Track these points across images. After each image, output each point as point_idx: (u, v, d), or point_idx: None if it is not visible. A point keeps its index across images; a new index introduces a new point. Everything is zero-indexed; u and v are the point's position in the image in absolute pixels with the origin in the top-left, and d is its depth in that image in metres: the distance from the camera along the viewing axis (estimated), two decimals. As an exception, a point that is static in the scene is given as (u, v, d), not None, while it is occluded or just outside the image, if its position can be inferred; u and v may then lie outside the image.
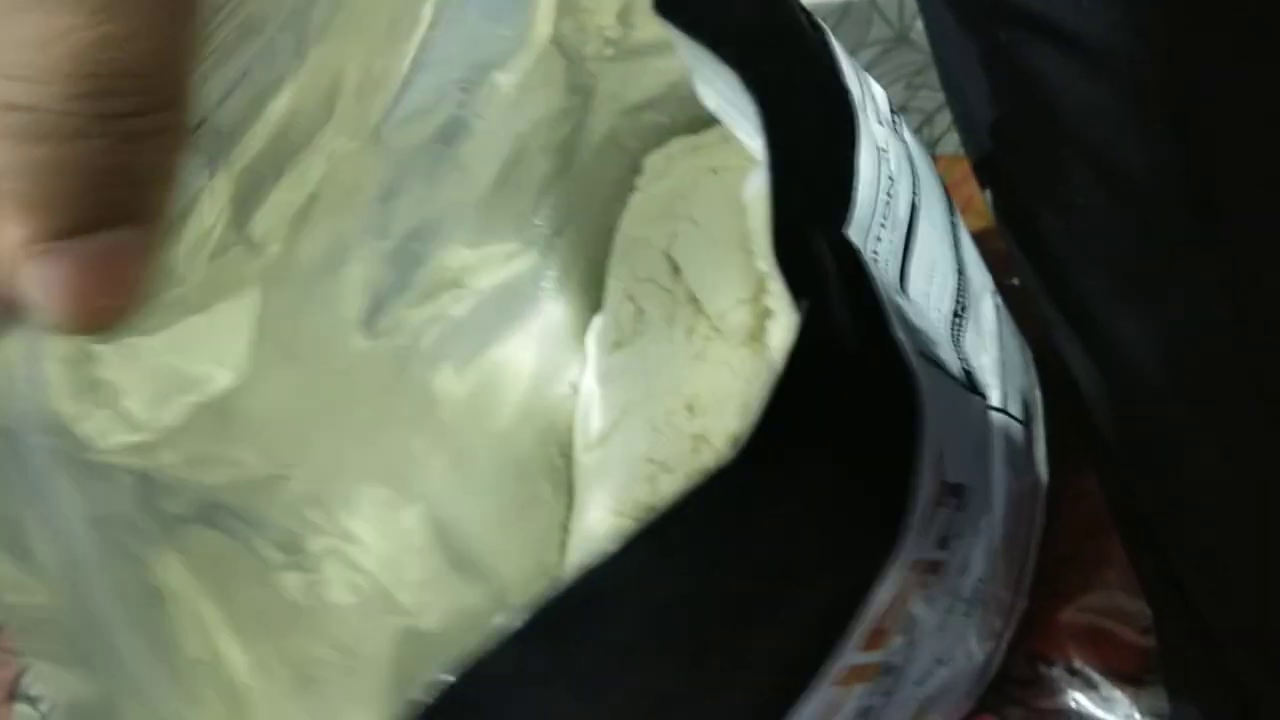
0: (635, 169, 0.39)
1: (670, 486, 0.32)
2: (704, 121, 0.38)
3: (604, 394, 0.36)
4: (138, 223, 0.13)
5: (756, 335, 0.34)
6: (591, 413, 0.36)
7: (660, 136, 0.39)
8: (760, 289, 0.35)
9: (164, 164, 0.13)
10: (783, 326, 0.33)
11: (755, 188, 0.35)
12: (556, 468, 0.35)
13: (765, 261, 0.34)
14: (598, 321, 0.38)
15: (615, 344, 0.36)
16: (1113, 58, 0.25)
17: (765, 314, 0.35)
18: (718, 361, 0.34)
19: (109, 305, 0.13)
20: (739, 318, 0.34)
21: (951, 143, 0.44)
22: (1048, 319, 0.33)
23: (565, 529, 0.35)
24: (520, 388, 0.35)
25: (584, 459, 0.35)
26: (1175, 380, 0.28)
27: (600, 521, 0.33)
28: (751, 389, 0.33)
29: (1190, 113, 0.25)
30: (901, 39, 0.46)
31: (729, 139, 0.37)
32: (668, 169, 0.38)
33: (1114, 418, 0.31)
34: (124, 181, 0.13)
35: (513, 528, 0.33)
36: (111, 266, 0.13)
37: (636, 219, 0.38)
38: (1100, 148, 0.27)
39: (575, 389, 0.37)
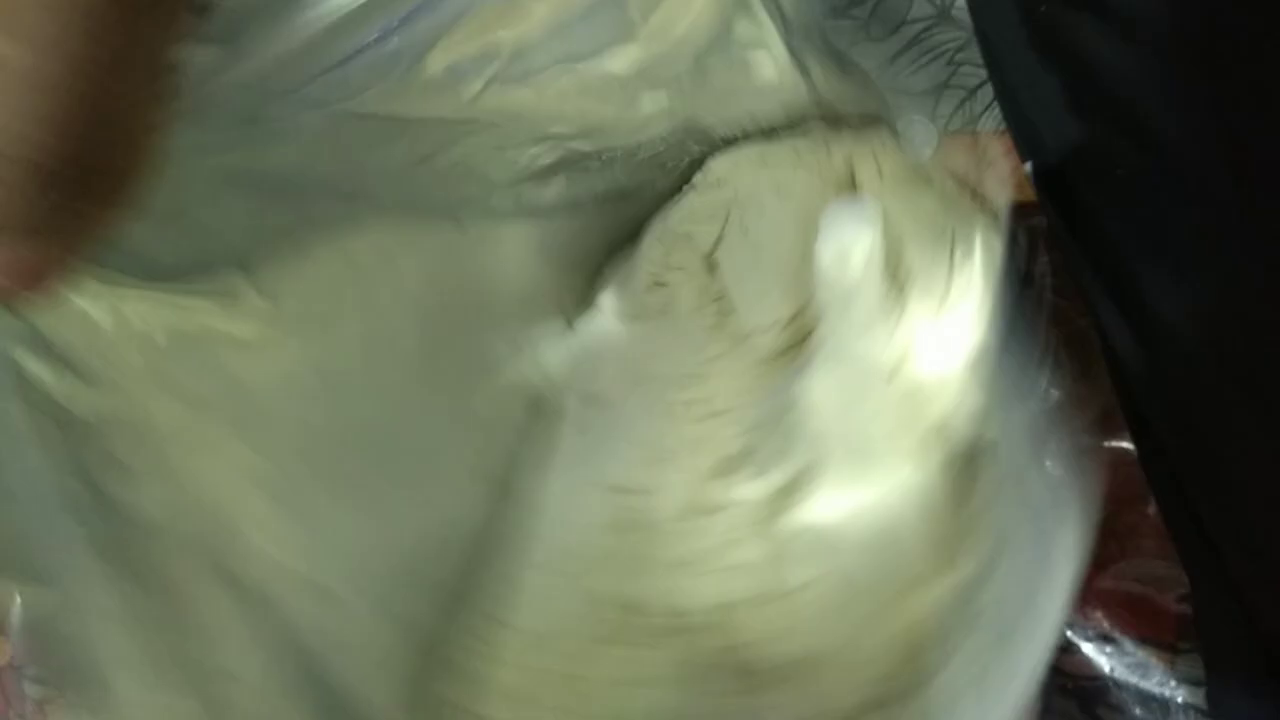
0: (695, 167, 0.39)
1: (662, 477, 0.32)
2: (774, 132, 0.38)
3: (612, 359, 0.36)
4: (60, 244, 0.15)
5: (784, 353, 0.34)
6: (596, 369, 0.36)
7: (728, 146, 0.39)
8: (802, 310, 0.35)
9: (89, 220, 0.15)
10: (820, 337, 0.33)
11: (837, 219, 0.34)
12: (531, 388, 0.35)
13: (823, 288, 0.34)
14: (612, 289, 0.38)
15: (634, 316, 0.36)
16: (1148, 25, 0.25)
17: (802, 330, 0.35)
18: (738, 369, 0.34)
19: (22, 291, 0.15)
20: (771, 338, 0.34)
21: (992, 119, 0.44)
22: (1088, 291, 0.33)
23: (533, 453, 0.34)
24: (502, 300, 0.35)
25: (581, 410, 0.35)
26: (1214, 348, 0.28)
27: (583, 488, 0.33)
28: (764, 403, 0.33)
29: (1226, 79, 0.25)
30: (943, 16, 0.46)
31: (800, 154, 0.37)
32: (730, 176, 0.38)
33: (1152, 386, 0.31)
34: (45, 224, 0.14)
35: (464, 435, 0.33)
36: (25, 268, 0.15)
37: (686, 216, 0.39)
38: (1139, 116, 0.27)
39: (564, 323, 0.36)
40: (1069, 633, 0.38)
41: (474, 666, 0.26)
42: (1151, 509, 0.37)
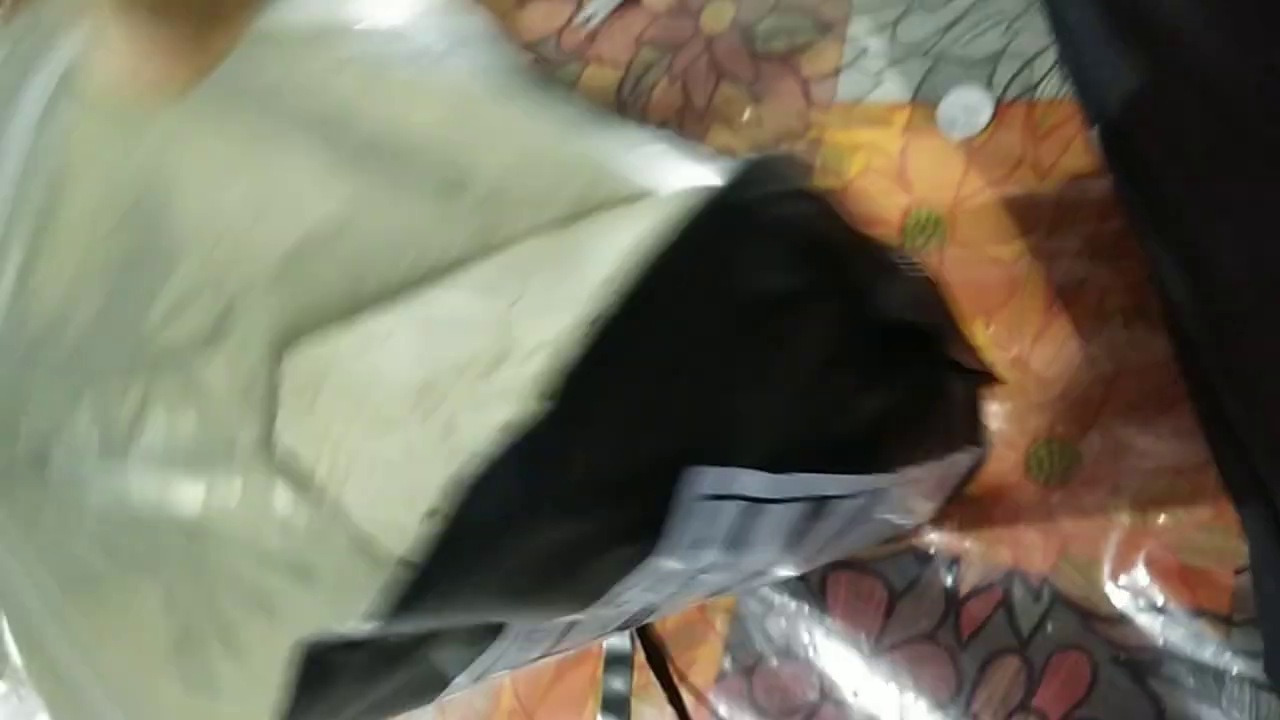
0: None
1: None
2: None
3: None
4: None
5: None
6: None
7: None
8: None
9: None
10: None
11: None
12: None
13: None
14: None
15: None
16: None
17: None
18: None
19: None
20: None
21: (1050, 88, 0.44)
22: (1151, 250, 0.33)
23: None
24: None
25: None
26: (1267, 289, 0.28)
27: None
28: None
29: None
30: (1001, -16, 0.46)
31: None
32: None
33: (1213, 343, 0.31)
34: None
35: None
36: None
37: None
38: (1201, 63, 0.27)
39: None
40: (1121, 603, 0.38)
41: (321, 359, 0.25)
42: (1208, 479, 0.36)
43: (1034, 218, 0.43)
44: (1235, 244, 0.28)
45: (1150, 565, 0.38)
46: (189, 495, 0.23)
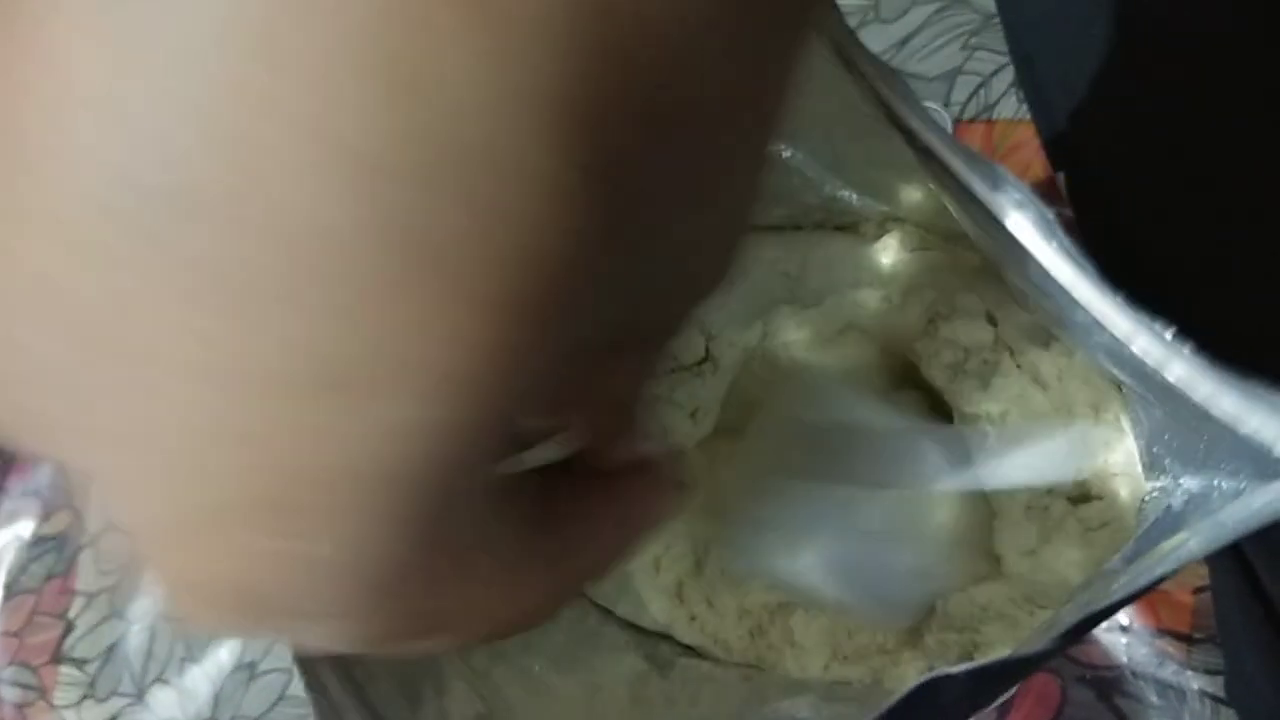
0: None
1: None
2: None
3: None
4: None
5: None
6: None
7: None
8: None
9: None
10: None
11: None
12: None
13: None
14: None
15: None
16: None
17: None
18: None
19: None
20: None
21: (1008, 107, 0.44)
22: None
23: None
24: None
25: None
26: (1248, 357, 0.29)
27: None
28: None
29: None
30: (957, -2, 0.46)
31: None
32: None
33: None
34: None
35: None
36: None
37: None
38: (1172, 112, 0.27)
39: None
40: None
41: None
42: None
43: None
44: (1212, 300, 0.28)
45: (1113, 585, 0.39)
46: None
